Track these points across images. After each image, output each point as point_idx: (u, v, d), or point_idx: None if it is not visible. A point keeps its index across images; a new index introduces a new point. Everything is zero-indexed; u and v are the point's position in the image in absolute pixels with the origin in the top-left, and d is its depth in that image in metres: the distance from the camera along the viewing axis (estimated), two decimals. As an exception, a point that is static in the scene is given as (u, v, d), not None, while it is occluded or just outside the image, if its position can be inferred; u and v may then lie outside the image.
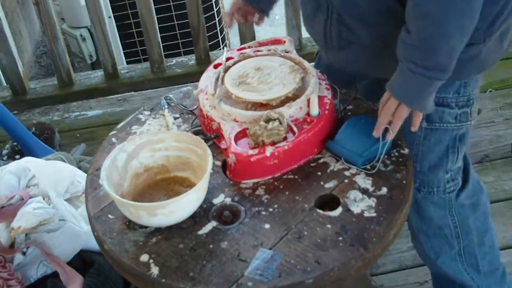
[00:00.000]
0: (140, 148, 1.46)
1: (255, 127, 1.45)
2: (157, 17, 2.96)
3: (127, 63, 3.85)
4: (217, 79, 1.63)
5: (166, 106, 1.71)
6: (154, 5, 2.86)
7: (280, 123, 1.46)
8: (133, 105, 3.16)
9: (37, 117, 3.15)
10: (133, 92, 3.19)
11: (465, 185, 1.74)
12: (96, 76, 3.09)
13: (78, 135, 3.02)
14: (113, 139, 1.64)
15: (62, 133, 3.00)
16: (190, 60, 3.09)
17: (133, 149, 1.45)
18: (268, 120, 1.46)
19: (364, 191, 1.42)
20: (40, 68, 4.61)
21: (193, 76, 3.04)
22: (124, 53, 3.86)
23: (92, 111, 3.17)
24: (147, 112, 1.72)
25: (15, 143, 2.74)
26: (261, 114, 1.49)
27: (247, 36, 2.95)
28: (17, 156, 2.71)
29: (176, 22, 3.59)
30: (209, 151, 1.39)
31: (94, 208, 1.46)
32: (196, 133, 1.61)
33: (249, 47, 1.77)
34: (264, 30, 4.57)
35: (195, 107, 1.69)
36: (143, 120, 1.69)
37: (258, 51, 1.72)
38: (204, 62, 3.02)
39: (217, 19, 3.68)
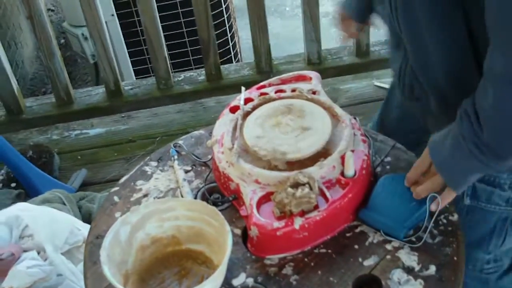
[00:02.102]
0: (146, 218, 1.25)
1: (282, 194, 1.24)
2: (167, 33, 2.75)
3: (132, 63, 3.61)
4: (234, 128, 1.41)
5: (175, 157, 1.49)
6: (164, 22, 2.65)
7: (311, 188, 1.24)
8: (138, 123, 2.96)
9: (35, 136, 2.95)
10: (138, 108, 2.98)
11: None
12: (97, 94, 2.87)
13: (79, 157, 2.81)
14: (115, 198, 1.43)
15: (61, 155, 2.80)
16: (199, 75, 2.88)
17: (138, 220, 1.24)
18: (296, 185, 1.25)
19: (409, 271, 1.21)
20: (41, 63, 4.38)
21: (203, 94, 2.84)
22: (129, 52, 3.62)
23: (94, 129, 2.96)
24: (153, 163, 1.51)
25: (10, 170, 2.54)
26: (287, 175, 1.27)
27: (261, 50, 2.73)
28: (13, 184, 2.52)
29: (187, 39, 3.38)
30: (228, 228, 1.18)
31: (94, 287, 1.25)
32: (211, 190, 1.41)
33: (269, 84, 1.55)
34: (275, 23, 4.36)
35: (209, 157, 1.48)
36: (149, 174, 1.48)
37: (281, 90, 1.50)
38: (214, 78, 2.81)
39: (229, 35, 3.50)
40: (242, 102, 1.47)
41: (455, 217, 1.30)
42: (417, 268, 1.21)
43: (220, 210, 1.31)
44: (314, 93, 1.49)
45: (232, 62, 3.69)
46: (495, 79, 1.05)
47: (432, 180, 1.24)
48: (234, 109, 1.48)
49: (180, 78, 2.88)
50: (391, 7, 1.23)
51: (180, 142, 1.54)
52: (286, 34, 4.39)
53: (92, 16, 2.58)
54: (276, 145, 1.34)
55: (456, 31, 1.15)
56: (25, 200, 2.28)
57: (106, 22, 3.24)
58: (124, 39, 3.53)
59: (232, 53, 3.68)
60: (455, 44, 1.17)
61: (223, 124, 1.44)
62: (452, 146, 1.16)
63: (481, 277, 1.49)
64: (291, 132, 1.36)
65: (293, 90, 1.49)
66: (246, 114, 1.44)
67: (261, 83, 1.56)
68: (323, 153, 1.33)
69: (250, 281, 1.22)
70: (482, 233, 1.42)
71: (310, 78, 1.54)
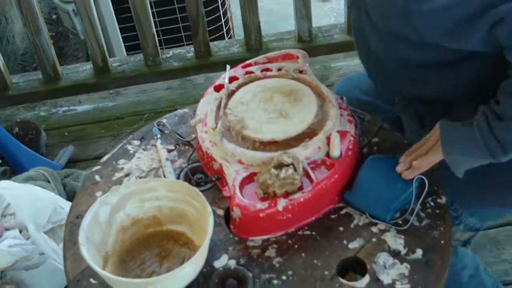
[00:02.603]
0: (126, 198, 1.22)
1: (265, 175, 1.21)
2: (158, 9, 2.69)
3: (124, 38, 3.55)
4: (218, 108, 1.38)
5: (158, 136, 1.46)
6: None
7: (295, 169, 1.21)
8: (127, 99, 2.91)
9: (22, 113, 2.90)
10: (127, 85, 2.93)
11: None
12: (85, 70, 2.82)
13: (66, 134, 2.77)
14: (97, 177, 1.40)
15: (49, 131, 2.75)
16: (188, 52, 2.82)
17: (118, 200, 1.21)
18: (280, 166, 1.22)
19: (396, 254, 1.18)
20: (30, 39, 4.32)
21: (192, 71, 2.79)
22: (121, 27, 3.56)
23: (81, 105, 2.91)
24: (136, 142, 1.47)
25: (-5, 149, 2.50)
26: (271, 156, 1.24)
27: (251, 27, 2.68)
28: (-2, 162, 2.47)
29: (178, 15, 3.32)
30: (209, 209, 1.15)
31: (73, 269, 1.23)
32: (194, 170, 1.38)
33: (255, 63, 1.51)
34: (269, 5, 4.30)
35: (193, 136, 1.45)
36: (131, 152, 1.45)
37: (267, 69, 1.47)
38: (203, 55, 2.75)
39: (221, 11, 3.43)
40: (226, 80, 1.43)
41: (443, 199, 1.27)
42: (403, 251, 1.19)
43: (203, 191, 1.30)
44: (301, 72, 1.45)
45: (224, 39, 3.63)
46: None
47: (428, 157, 1.22)
48: (218, 88, 1.44)
49: (168, 55, 2.83)
50: None
51: (164, 120, 1.51)
52: (279, 11, 4.31)
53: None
54: (260, 124, 1.30)
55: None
56: (10, 177, 2.25)
57: (97, -2, 3.21)
58: (116, 15, 3.47)
59: (225, 30, 3.62)
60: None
61: (207, 103, 1.41)
62: (466, 137, 1.16)
63: None
64: (276, 112, 1.33)
65: (279, 69, 1.46)
66: (231, 93, 1.41)
67: (247, 62, 1.52)
68: (309, 133, 1.30)
69: (232, 263, 1.19)
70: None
71: (297, 57, 1.51)
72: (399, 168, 1.23)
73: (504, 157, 1.12)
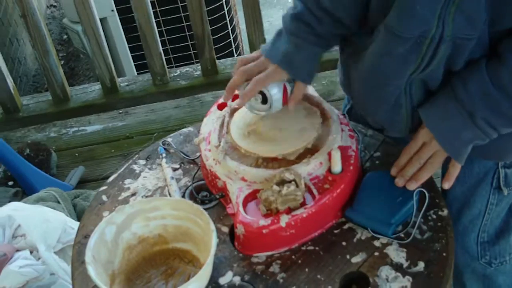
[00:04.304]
0: (131, 218, 1.24)
1: (267, 192, 1.22)
2: (167, 27, 2.72)
3: (134, 57, 3.59)
4: (221, 126, 1.40)
5: (164, 155, 1.48)
6: (165, 16, 2.62)
7: (297, 185, 1.23)
8: (136, 119, 2.95)
9: (33, 134, 2.95)
10: (135, 104, 2.97)
11: None
12: (94, 91, 2.86)
13: (76, 154, 2.81)
14: (103, 197, 1.42)
15: (59, 152, 2.79)
16: (195, 70, 2.86)
17: (124, 219, 1.23)
18: (282, 182, 1.23)
19: (398, 268, 1.19)
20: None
21: (199, 89, 2.82)
22: (130, 47, 3.60)
23: (91, 126, 2.95)
24: (142, 162, 1.50)
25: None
26: (273, 173, 1.26)
27: (257, 44, 2.72)
28: (10, 183, 2.51)
29: (187, 33, 3.36)
30: (212, 227, 1.16)
31: (81, 288, 1.25)
32: (199, 188, 1.40)
33: (258, 81, 1.52)
34: (277, 15, 4.32)
35: (197, 154, 1.47)
36: (137, 172, 1.47)
37: (269, 87, 1.48)
38: (210, 73, 2.79)
39: (230, 28, 3.46)
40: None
41: (444, 212, 1.28)
42: (405, 264, 1.19)
43: (208, 208, 1.32)
44: (302, 88, 1.46)
45: (233, 56, 3.67)
46: None
47: (431, 162, 1.23)
48: (221, 106, 1.46)
49: (176, 74, 2.86)
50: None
51: (169, 139, 1.53)
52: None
53: (86, 14, 2.57)
54: (263, 142, 1.32)
55: None
56: (22, 198, 2.28)
57: (106, 18, 3.25)
58: (125, 34, 3.51)
59: (234, 46, 3.66)
60: None
61: (211, 122, 1.43)
62: (451, 119, 1.18)
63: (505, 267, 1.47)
64: (278, 129, 1.35)
65: (282, 86, 1.47)
66: (234, 111, 1.43)
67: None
68: (311, 150, 1.32)
69: (237, 279, 1.21)
70: (504, 217, 1.40)
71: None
72: (399, 183, 1.25)
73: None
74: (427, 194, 1.24)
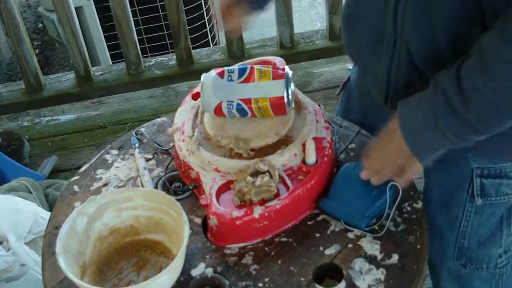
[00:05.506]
0: (103, 208, 1.22)
1: (241, 183, 1.21)
2: (143, 17, 2.68)
3: (110, 47, 3.54)
4: (195, 116, 1.38)
5: (136, 145, 1.46)
6: (140, 5, 2.59)
7: (271, 176, 1.22)
8: (110, 108, 2.92)
9: (5, 123, 2.90)
10: (109, 94, 2.93)
11: None
12: (68, 80, 2.82)
13: (50, 144, 2.77)
14: (75, 187, 1.40)
15: (32, 142, 2.75)
16: (170, 60, 2.83)
17: (95, 210, 1.21)
18: (256, 173, 1.22)
19: (372, 260, 1.19)
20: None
21: (174, 79, 2.80)
22: (106, 36, 3.55)
23: (65, 115, 2.91)
24: (114, 152, 1.48)
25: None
26: (247, 164, 1.25)
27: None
28: (-20, 174, 2.46)
29: (163, 23, 3.33)
30: (185, 218, 1.15)
31: (51, 279, 1.23)
32: (172, 178, 1.38)
33: (232, 70, 1.51)
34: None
35: (171, 144, 1.45)
36: (110, 162, 1.45)
37: (244, 77, 1.47)
38: (186, 63, 2.76)
39: (206, 18, 3.43)
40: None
41: (419, 204, 1.28)
42: (379, 257, 1.19)
43: (181, 199, 1.30)
44: (277, 79, 1.45)
45: (209, 46, 3.64)
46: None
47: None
48: (196, 96, 1.44)
49: (150, 63, 2.83)
50: None
51: (142, 129, 1.51)
52: (264, 17, 4.34)
53: (61, 2, 2.53)
54: (237, 133, 1.31)
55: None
56: (-7, 188, 2.24)
57: (82, 7, 3.21)
58: (101, 23, 3.47)
59: (210, 36, 3.63)
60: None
61: (185, 112, 1.41)
62: (423, 122, 1.10)
63: (494, 273, 1.44)
64: (253, 119, 1.33)
65: (257, 76, 1.46)
66: (208, 101, 1.41)
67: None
68: (285, 140, 1.30)
69: (209, 271, 1.20)
70: (492, 228, 1.37)
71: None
72: (362, 175, 1.24)
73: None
74: (400, 188, 1.23)
